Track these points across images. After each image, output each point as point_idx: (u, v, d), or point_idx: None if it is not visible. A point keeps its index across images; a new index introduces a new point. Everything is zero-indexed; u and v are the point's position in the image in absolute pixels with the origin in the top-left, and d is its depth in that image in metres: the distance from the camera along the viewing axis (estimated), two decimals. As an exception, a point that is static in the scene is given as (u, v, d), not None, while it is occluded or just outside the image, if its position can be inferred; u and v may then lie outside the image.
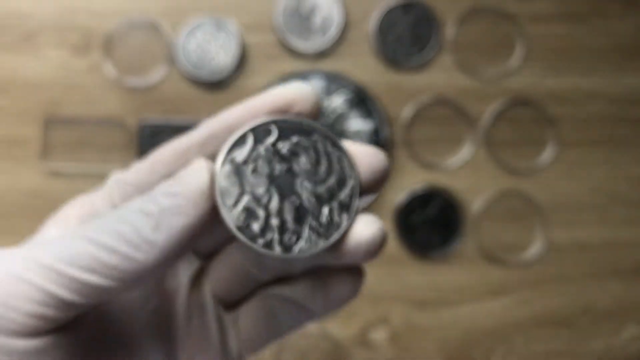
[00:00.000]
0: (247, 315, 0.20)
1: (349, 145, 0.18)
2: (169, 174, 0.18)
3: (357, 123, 0.45)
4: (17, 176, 0.46)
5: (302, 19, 0.46)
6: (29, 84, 0.46)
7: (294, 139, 0.18)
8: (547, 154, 0.46)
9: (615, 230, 0.46)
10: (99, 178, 0.46)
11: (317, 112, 0.18)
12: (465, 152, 0.46)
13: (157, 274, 0.17)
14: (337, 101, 0.45)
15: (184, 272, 0.21)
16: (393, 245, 0.46)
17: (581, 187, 0.46)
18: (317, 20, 0.46)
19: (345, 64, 0.46)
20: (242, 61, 0.46)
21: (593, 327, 0.45)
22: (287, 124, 0.18)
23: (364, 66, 0.46)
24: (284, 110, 0.18)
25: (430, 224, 0.45)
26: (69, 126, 0.46)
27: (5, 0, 0.47)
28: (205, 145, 0.19)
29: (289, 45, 0.46)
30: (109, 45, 0.46)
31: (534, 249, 0.45)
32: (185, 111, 0.46)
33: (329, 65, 0.46)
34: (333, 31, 0.46)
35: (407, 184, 0.46)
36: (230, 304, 0.20)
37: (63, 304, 0.16)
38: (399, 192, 0.46)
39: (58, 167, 0.46)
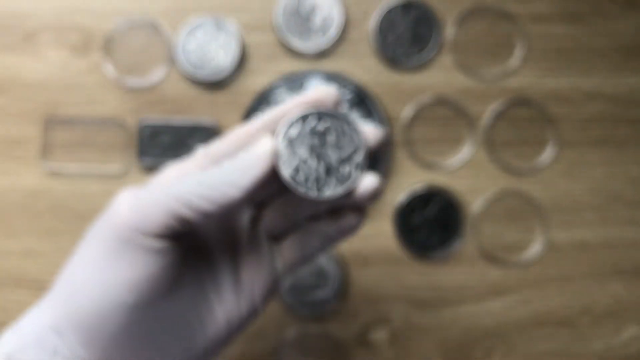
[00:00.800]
0: (288, 245, 0.30)
1: (360, 126, 0.28)
2: (243, 146, 0.28)
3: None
4: (17, 176, 0.46)
5: (302, 19, 0.46)
6: (28, 84, 0.46)
7: (327, 122, 0.28)
8: (547, 154, 0.46)
9: (615, 230, 0.46)
10: (99, 178, 0.46)
11: (340, 104, 0.29)
12: (465, 152, 0.46)
13: (241, 205, 0.28)
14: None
15: (246, 216, 0.31)
16: (393, 245, 0.46)
17: (581, 187, 0.46)
18: (317, 20, 0.46)
19: (345, 64, 0.46)
20: (242, 61, 0.46)
21: (593, 327, 0.45)
22: (322, 113, 0.28)
23: (364, 66, 0.46)
24: (319, 103, 0.28)
25: (430, 224, 0.45)
26: (69, 126, 0.46)
27: (5, 0, 0.47)
28: (267, 127, 0.29)
29: (289, 45, 0.46)
30: (108, 46, 0.46)
31: (534, 248, 0.46)
32: (185, 111, 0.46)
33: (329, 65, 0.46)
34: (333, 31, 0.46)
35: (407, 184, 0.46)
36: (276, 237, 0.31)
37: (182, 219, 0.26)
38: (399, 192, 0.46)
39: (58, 167, 0.46)
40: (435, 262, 0.46)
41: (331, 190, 0.27)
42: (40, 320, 0.28)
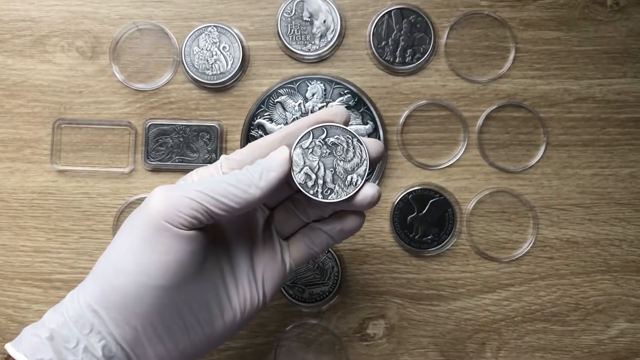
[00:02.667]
0: (296, 242, 0.34)
1: (364, 139, 0.32)
2: (261, 156, 0.32)
3: (355, 125, 0.46)
4: (28, 176, 0.47)
5: (302, 25, 0.47)
6: (39, 87, 0.47)
7: (335, 136, 0.32)
8: (538, 155, 0.47)
9: (604, 228, 0.47)
10: (107, 178, 0.47)
11: (348, 121, 0.32)
12: (459, 153, 0.47)
13: (258, 203, 0.31)
14: (336, 104, 0.46)
15: (260, 217, 0.35)
16: (390, 242, 0.47)
17: (571, 187, 0.47)
18: (317, 26, 0.47)
19: (343, 68, 0.47)
20: (244, 65, 0.47)
21: (583, 322, 0.46)
22: (332, 128, 0.32)
23: (361, 70, 0.48)
24: (330, 120, 0.32)
25: (425, 222, 0.46)
26: (78, 128, 0.47)
27: (16, 6, 0.48)
28: (284, 139, 0.32)
29: (289, 50, 0.47)
30: (116, 50, 0.48)
31: (525, 246, 0.47)
32: (190, 113, 0.47)
33: (327, 69, 0.48)
34: (332, 37, 0.47)
35: (404, 184, 0.47)
36: (286, 236, 0.35)
37: (207, 213, 0.30)
38: (396, 192, 0.47)
39: (67, 167, 0.47)
40: (431, 259, 0.47)
41: (335, 196, 0.31)
42: (79, 299, 0.30)
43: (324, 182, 0.32)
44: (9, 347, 0.30)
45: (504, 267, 0.46)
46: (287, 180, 0.32)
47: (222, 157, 0.33)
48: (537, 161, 0.47)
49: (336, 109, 0.32)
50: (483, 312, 0.46)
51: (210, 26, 0.47)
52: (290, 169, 0.31)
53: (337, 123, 0.32)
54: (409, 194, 0.46)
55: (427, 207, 0.46)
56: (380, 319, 0.46)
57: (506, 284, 0.46)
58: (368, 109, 0.46)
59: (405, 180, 0.47)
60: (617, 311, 0.46)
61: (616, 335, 0.46)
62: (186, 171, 0.46)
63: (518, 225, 0.47)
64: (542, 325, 0.46)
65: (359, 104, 0.46)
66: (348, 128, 0.32)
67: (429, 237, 0.46)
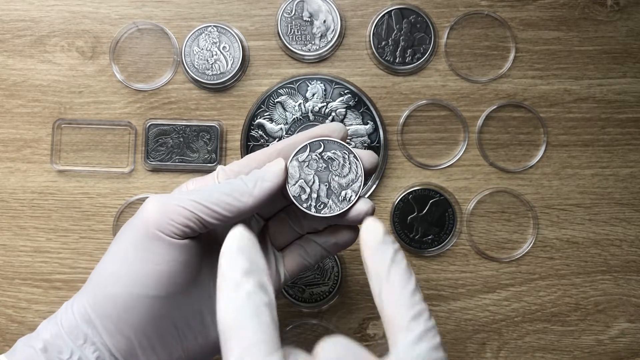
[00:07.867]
0: (290, 253, 0.34)
1: (358, 151, 0.32)
2: (259, 167, 0.32)
3: (355, 125, 0.46)
4: (28, 176, 0.47)
5: (302, 25, 0.47)
6: (39, 87, 0.48)
7: (332, 151, 0.32)
8: (538, 155, 0.47)
9: (604, 228, 0.47)
10: (107, 178, 0.47)
11: (345, 137, 0.33)
12: (459, 153, 0.47)
13: (251, 213, 0.31)
14: (336, 104, 0.47)
15: (255, 227, 0.35)
16: (390, 243, 0.47)
17: (570, 187, 0.47)
18: (317, 26, 0.47)
19: (343, 69, 0.48)
20: (244, 65, 0.47)
21: (583, 322, 0.46)
22: (329, 143, 0.32)
23: (362, 70, 0.48)
24: (328, 135, 0.32)
25: (426, 223, 0.47)
26: (78, 128, 0.47)
27: (16, 6, 0.48)
28: (281, 152, 0.32)
29: (289, 50, 0.47)
30: (116, 50, 0.48)
31: (525, 246, 0.47)
32: (190, 113, 0.47)
33: (328, 69, 0.48)
34: (332, 37, 0.47)
35: (404, 184, 0.47)
36: (280, 247, 0.35)
37: (200, 222, 0.30)
38: (396, 192, 0.47)
39: (67, 167, 0.47)
40: (431, 259, 0.47)
41: (328, 211, 0.32)
42: (73, 310, 0.30)
43: (318, 196, 0.32)
44: (3, 359, 0.30)
45: (504, 267, 0.47)
46: (281, 191, 0.32)
47: (219, 167, 0.33)
48: (537, 161, 0.47)
49: (335, 125, 0.33)
50: (483, 312, 0.46)
51: (210, 26, 0.47)
52: (286, 180, 0.31)
53: (334, 138, 0.32)
54: (409, 194, 0.46)
55: (427, 207, 0.46)
56: (380, 319, 0.46)
57: (506, 284, 0.47)
58: (368, 109, 0.46)
59: (405, 180, 0.47)
60: (618, 311, 0.46)
61: (616, 335, 0.46)
62: (186, 171, 0.46)
63: (518, 225, 0.47)
64: (542, 325, 0.46)
65: (359, 104, 0.46)
66: (345, 144, 0.32)
67: (429, 237, 0.46)
